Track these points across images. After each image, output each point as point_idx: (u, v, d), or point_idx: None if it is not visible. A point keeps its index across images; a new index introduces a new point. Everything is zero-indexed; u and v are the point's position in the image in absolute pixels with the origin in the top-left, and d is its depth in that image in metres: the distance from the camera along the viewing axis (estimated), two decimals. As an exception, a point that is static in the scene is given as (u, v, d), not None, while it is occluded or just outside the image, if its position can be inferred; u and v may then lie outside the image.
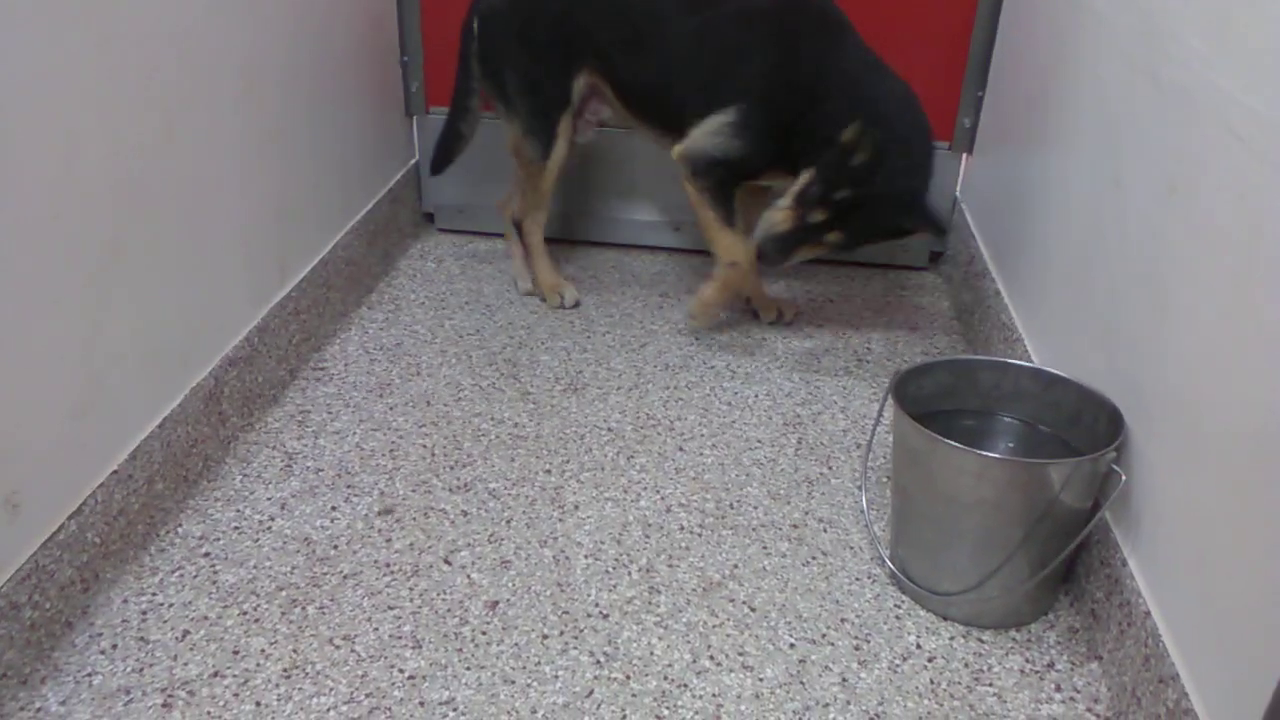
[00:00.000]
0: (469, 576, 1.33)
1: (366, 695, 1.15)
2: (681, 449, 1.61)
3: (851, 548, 1.41)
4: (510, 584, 1.32)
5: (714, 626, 1.27)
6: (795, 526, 1.45)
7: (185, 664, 1.18)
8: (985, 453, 1.21)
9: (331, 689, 1.16)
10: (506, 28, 1.87)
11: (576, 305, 2.03)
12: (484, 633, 1.25)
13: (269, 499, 1.46)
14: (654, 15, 1.81)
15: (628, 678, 1.19)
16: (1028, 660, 1.24)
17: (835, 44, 1.75)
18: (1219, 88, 1.08)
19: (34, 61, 1.10)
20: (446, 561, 1.36)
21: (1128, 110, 1.33)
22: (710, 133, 1.75)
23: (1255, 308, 0.97)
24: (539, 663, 1.21)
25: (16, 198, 1.09)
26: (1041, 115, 1.70)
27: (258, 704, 1.14)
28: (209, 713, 1.12)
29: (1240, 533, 0.97)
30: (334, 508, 1.45)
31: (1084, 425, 1.31)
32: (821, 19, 1.77)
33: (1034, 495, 1.19)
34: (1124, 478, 1.20)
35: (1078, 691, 1.20)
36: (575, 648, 1.23)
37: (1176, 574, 1.09)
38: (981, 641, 1.26)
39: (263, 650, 1.21)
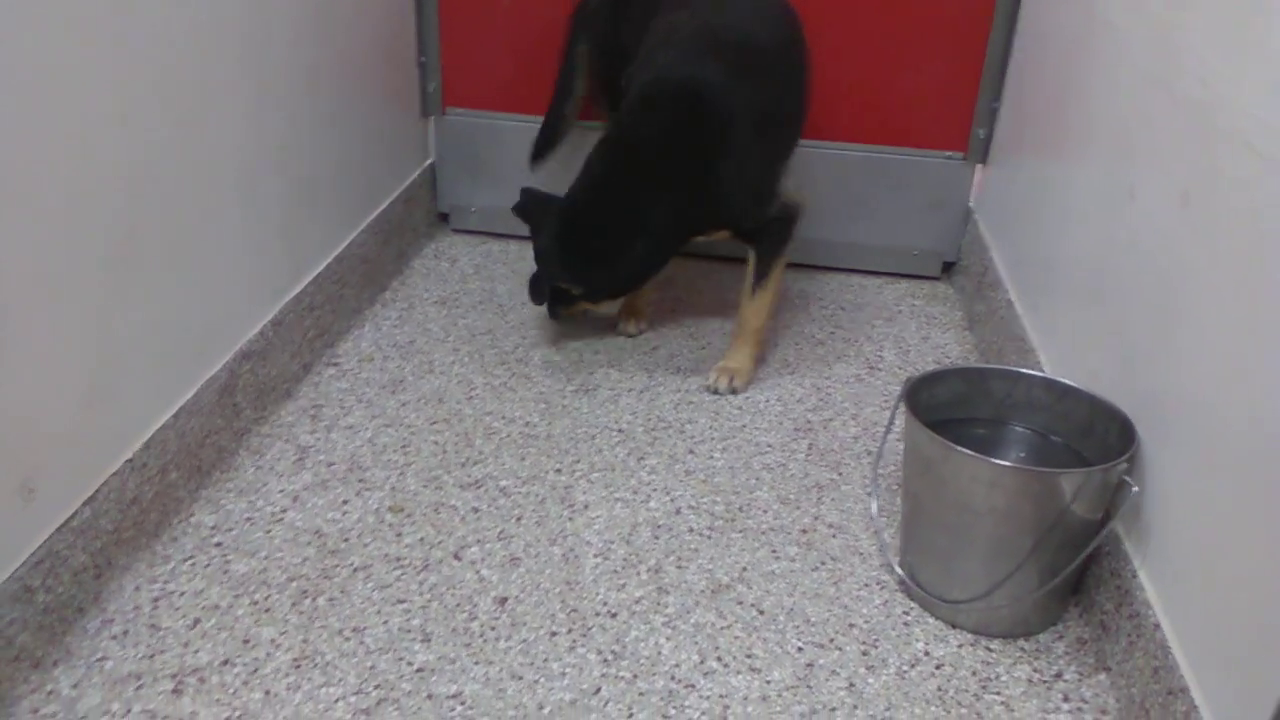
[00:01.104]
0: (478, 572, 1.34)
1: (375, 687, 1.16)
2: (692, 451, 1.62)
3: (861, 553, 1.42)
4: (519, 581, 1.33)
5: (722, 628, 1.27)
6: (805, 531, 1.45)
7: (196, 651, 1.19)
8: (997, 461, 1.21)
9: (340, 679, 1.16)
10: (586, 21, 1.98)
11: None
12: (493, 628, 1.25)
13: (281, 491, 1.47)
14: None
15: (635, 677, 1.19)
16: (1036, 670, 1.24)
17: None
18: (1235, 101, 1.08)
19: (51, 53, 1.11)
20: (456, 557, 1.36)
21: (1142, 122, 1.33)
22: None
23: (1268, 319, 0.97)
24: (547, 659, 1.21)
25: (34, 187, 1.10)
26: (1056, 127, 1.70)
27: (267, 693, 1.14)
28: (218, 700, 1.13)
29: (1251, 545, 0.97)
30: (345, 501, 1.45)
31: (1096, 436, 1.31)
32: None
33: (1045, 505, 1.19)
34: (1135, 489, 1.20)
35: (1085, 702, 1.20)
36: (583, 645, 1.23)
37: (1187, 586, 1.09)
38: (990, 650, 1.26)
39: (273, 640, 1.21)
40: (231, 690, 1.14)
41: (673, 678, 1.20)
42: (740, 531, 1.44)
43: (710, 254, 2.27)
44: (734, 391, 1.77)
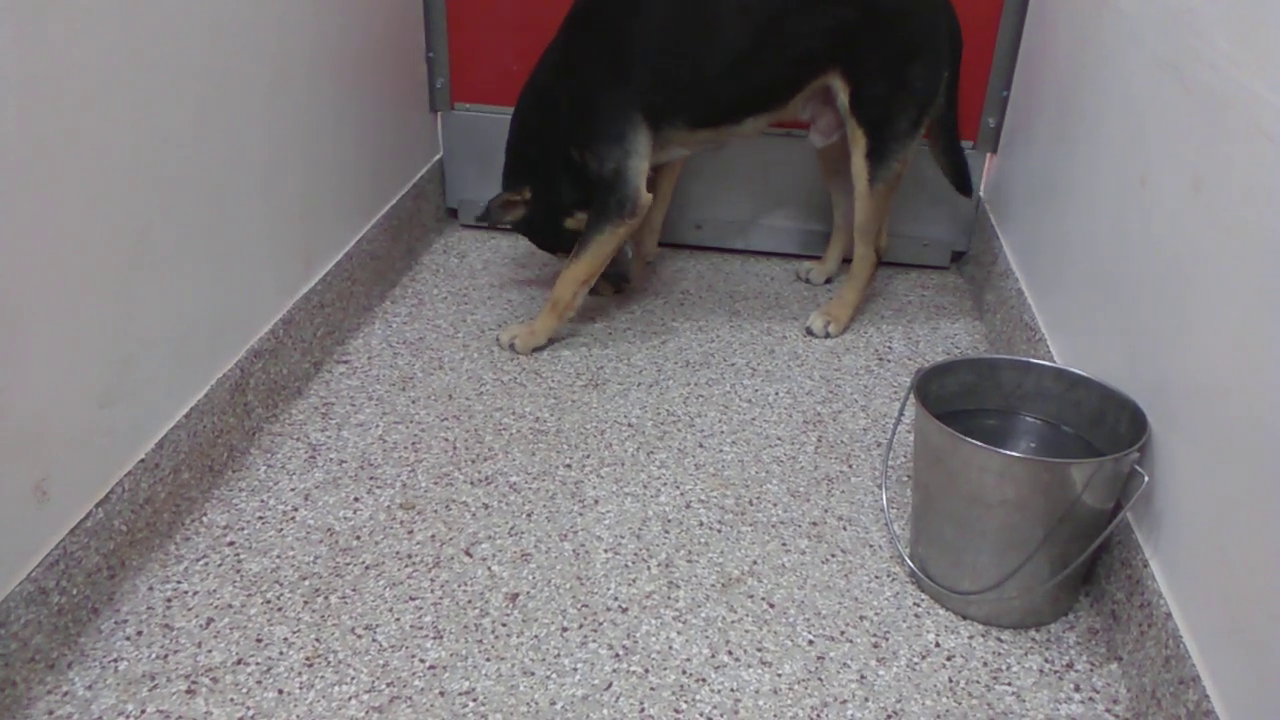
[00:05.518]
0: (489, 569, 1.34)
1: (387, 684, 1.16)
2: (701, 445, 1.62)
3: (871, 546, 1.41)
4: (530, 577, 1.33)
5: (733, 622, 1.27)
6: (815, 524, 1.45)
7: (209, 651, 1.20)
8: (1008, 452, 1.21)
9: (353, 678, 1.17)
10: None
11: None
12: (504, 624, 1.25)
13: (293, 489, 1.47)
14: None
15: (646, 671, 1.20)
16: (1047, 660, 1.24)
17: None
18: (1247, 87, 1.07)
19: (65, 54, 1.12)
20: (467, 553, 1.37)
21: (1153, 109, 1.32)
22: None
23: (1282, 308, 0.97)
24: (558, 655, 1.21)
25: (47, 188, 1.11)
26: (1066, 114, 1.69)
27: (280, 691, 1.15)
28: (232, 700, 1.14)
29: (1264, 534, 0.97)
30: (357, 499, 1.46)
31: (1107, 425, 1.31)
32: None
33: (1056, 495, 1.19)
34: (1146, 478, 1.19)
35: (1097, 692, 1.19)
36: (594, 641, 1.24)
37: (1198, 575, 1.09)
38: (1001, 641, 1.26)
39: (285, 639, 1.22)
40: (245, 690, 1.15)
41: (684, 672, 1.20)
42: (750, 525, 1.44)
43: (721, 247, 2.27)
44: (511, 348, 1.86)
